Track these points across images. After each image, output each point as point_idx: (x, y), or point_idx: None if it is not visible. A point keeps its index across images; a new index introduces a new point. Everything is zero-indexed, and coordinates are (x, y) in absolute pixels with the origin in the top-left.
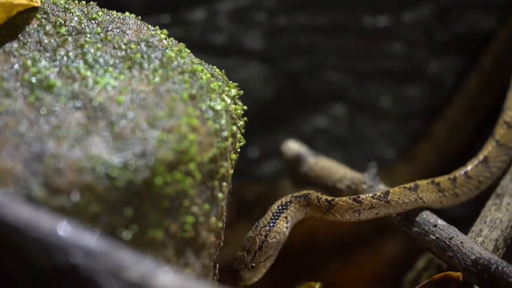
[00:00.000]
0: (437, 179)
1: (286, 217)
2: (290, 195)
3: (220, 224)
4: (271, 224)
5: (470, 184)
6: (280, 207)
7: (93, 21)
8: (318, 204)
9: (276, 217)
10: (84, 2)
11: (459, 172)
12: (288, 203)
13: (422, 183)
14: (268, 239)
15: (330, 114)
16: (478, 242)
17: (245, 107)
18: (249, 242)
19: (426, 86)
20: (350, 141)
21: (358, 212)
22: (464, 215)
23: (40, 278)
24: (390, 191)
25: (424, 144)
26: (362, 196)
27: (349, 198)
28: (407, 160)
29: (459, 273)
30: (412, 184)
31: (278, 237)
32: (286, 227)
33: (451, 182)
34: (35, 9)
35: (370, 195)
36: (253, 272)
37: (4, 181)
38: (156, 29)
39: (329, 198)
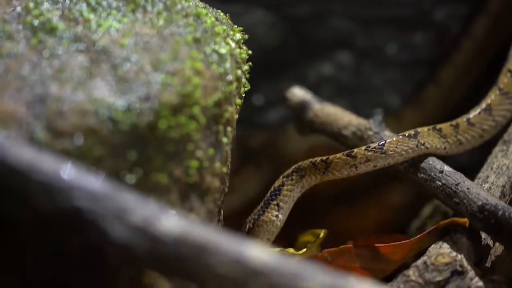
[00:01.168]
0: (438, 126)
1: (277, 204)
2: (281, 177)
3: (224, 169)
4: (260, 213)
5: (473, 131)
6: (272, 194)
7: None
8: (315, 167)
9: (266, 205)
10: None
11: (461, 119)
12: (280, 187)
13: (423, 129)
14: (255, 228)
15: (336, 61)
16: (484, 188)
17: (249, 52)
18: (243, 227)
19: (432, 33)
20: (356, 88)
21: (355, 166)
22: (470, 162)
23: (43, 221)
24: (387, 141)
25: (431, 90)
26: (355, 150)
27: (343, 153)
28: (414, 107)
29: (465, 219)
30: (411, 132)
31: (265, 226)
32: (277, 215)
33: (453, 129)
34: None
35: (364, 147)
36: None
37: (6, 124)
38: None
39: (323, 157)
